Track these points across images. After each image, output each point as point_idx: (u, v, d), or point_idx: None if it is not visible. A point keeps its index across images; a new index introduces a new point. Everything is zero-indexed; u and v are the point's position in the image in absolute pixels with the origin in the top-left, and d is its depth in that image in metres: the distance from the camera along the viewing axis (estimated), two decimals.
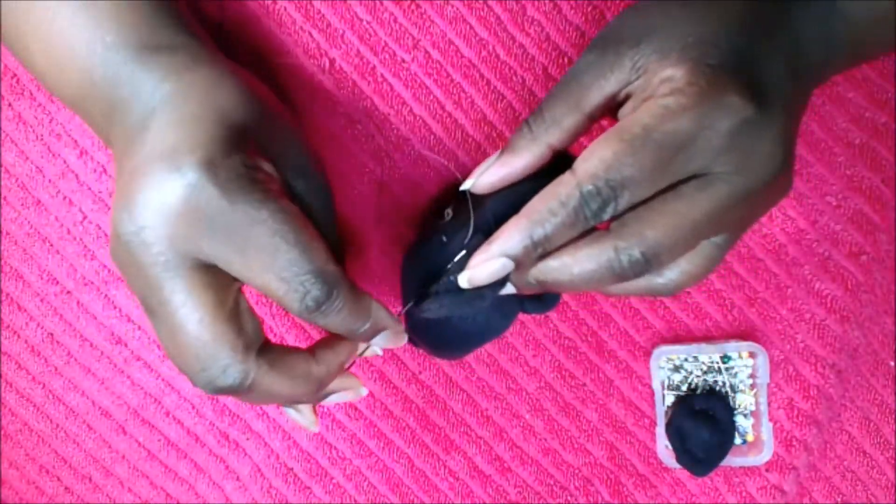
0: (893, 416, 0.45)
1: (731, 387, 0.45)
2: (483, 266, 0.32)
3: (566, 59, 0.41)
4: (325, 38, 0.41)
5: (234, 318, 0.31)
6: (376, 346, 0.36)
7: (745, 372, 0.44)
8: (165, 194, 0.29)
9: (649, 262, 0.31)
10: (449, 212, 0.37)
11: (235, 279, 0.31)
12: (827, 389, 0.44)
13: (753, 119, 0.29)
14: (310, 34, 0.41)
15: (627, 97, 0.31)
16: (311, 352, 0.34)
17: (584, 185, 0.30)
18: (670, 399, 0.45)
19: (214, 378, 0.31)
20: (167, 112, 0.31)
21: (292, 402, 0.35)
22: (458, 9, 0.40)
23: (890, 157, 0.42)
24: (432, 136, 0.42)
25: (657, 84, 0.30)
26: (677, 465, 0.44)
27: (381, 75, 0.42)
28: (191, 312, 0.30)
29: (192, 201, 0.29)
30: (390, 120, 0.42)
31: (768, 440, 0.44)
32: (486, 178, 0.34)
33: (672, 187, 0.30)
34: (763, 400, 0.44)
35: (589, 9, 0.40)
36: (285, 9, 0.41)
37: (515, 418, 0.45)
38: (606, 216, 0.30)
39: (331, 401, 0.37)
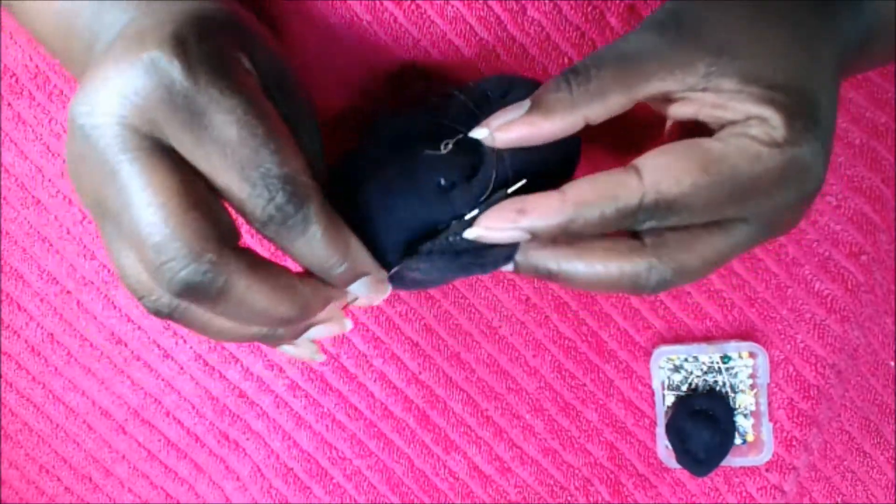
0: (893, 416, 0.45)
1: (732, 387, 0.45)
2: (502, 231, 0.29)
3: (566, 60, 0.41)
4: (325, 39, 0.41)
5: (204, 206, 0.26)
6: (357, 294, 0.31)
7: (745, 372, 0.44)
8: (124, 71, 0.26)
9: (673, 284, 0.30)
10: (447, 144, 0.30)
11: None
12: (827, 389, 0.44)
13: (816, 189, 0.29)
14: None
15: (683, 98, 0.30)
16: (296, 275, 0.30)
17: (647, 196, 0.28)
18: (670, 399, 0.45)
19: (178, 270, 0.26)
20: (138, 15, 0.28)
21: (272, 324, 0.29)
22: (458, 9, 0.40)
23: (890, 157, 0.42)
24: None
25: (743, 115, 0.28)
26: (677, 466, 0.44)
27: None
28: (153, 196, 0.25)
29: (154, 77, 0.26)
30: None
31: (768, 440, 0.44)
32: (507, 134, 0.29)
33: (717, 220, 0.30)
34: (763, 400, 0.44)
35: (589, 9, 0.40)
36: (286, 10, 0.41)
37: (515, 418, 0.45)
38: (648, 226, 0.29)
39: (314, 334, 0.32)
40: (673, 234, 0.30)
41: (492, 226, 0.29)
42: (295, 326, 0.31)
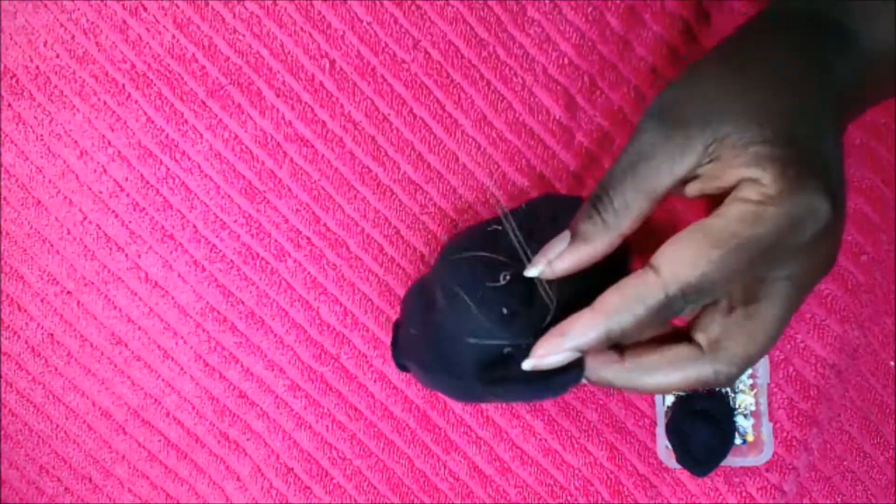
0: (893, 416, 0.45)
1: (731, 387, 0.45)
2: (551, 357, 0.32)
3: (566, 60, 0.41)
4: (325, 39, 0.41)
5: None
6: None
7: (745, 372, 0.44)
8: None
9: (741, 373, 0.32)
10: (506, 276, 0.34)
11: None
12: (827, 390, 0.44)
13: (832, 222, 0.30)
14: (310, 35, 0.41)
15: (694, 177, 0.31)
16: None
17: (670, 289, 0.29)
18: (670, 399, 0.45)
19: None
20: None
21: None
22: (458, 9, 0.40)
23: (890, 158, 0.42)
24: (432, 137, 0.42)
25: (735, 179, 0.30)
26: (677, 466, 0.44)
27: (382, 76, 0.42)
28: None
29: None
30: (390, 120, 0.42)
31: (768, 440, 0.44)
32: (558, 266, 0.33)
33: (747, 289, 0.31)
34: (763, 400, 0.44)
35: (589, 9, 0.40)
36: (285, 9, 0.41)
37: (515, 419, 0.45)
38: (685, 314, 0.31)
39: None
40: (723, 328, 0.31)
41: (542, 354, 0.32)
42: None
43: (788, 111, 0.30)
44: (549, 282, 0.34)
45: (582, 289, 0.33)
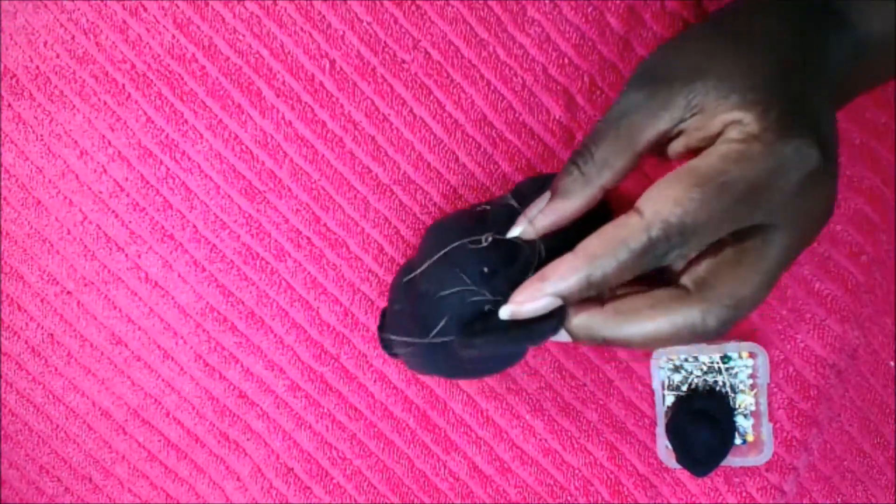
0: (893, 416, 0.45)
1: (732, 387, 0.45)
2: (530, 303, 0.31)
3: (566, 60, 0.41)
4: (325, 39, 0.41)
5: None
6: None
7: (745, 372, 0.44)
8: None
9: (736, 319, 0.30)
10: (488, 237, 0.34)
11: None
12: (827, 390, 0.44)
13: (819, 169, 0.29)
14: (310, 35, 0.41)
15: (679, 134, 0.31)
16: None
17: (653, 228, 0.28)
18: (670, 399, 0.45)
19: None
20: None
21: None
22: (458, 9, 0.40)
23: (890, 157, 0.42)
24: (432, 137, 0.42)
25: (720, 125, 0.29)
26: (677, 466, 0.44)
27: (382, 76, 0.42)
28: None
29: None
30: (390, 120, 0.42)
31: (768, 440, 0.44)
32: (538, 223, 0.33)
33: (738, 236, 0.30)
34: (763, 400, 0.44)
35: (589, 9, 0.40)
36: (285, 9, 0.41)
37: (516, 419, 0.45)
38: (670, 260, 0.29)
39: None
40: (711, 267, 0.30)
41: (521, 300, 0.31)
42: None
43: (777, 69, 0.30)
44: (532, 244, 0.33)
45: (565, 249, 0.32)
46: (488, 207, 0.38)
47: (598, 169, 0.31)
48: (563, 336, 0.33)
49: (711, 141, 0.30)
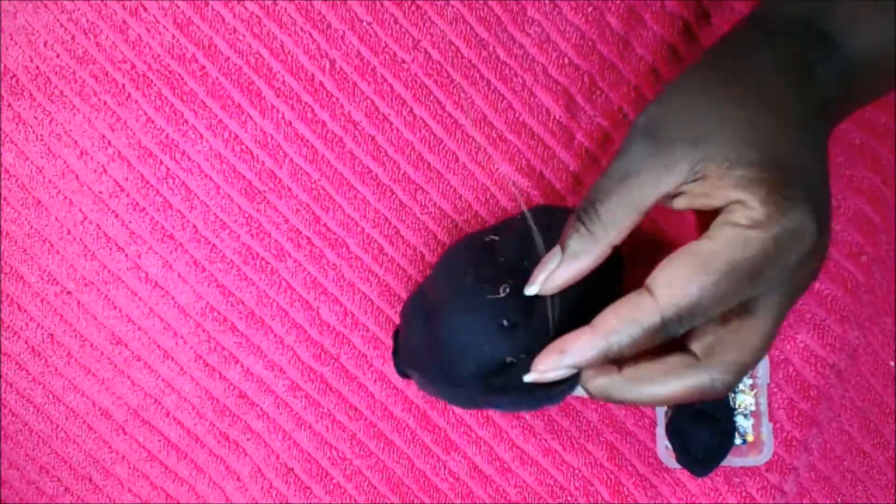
0: (893, 416, 0.45)
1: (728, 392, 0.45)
2: (553, 372, 0.33)
3: (566, 60, 0.41)
4: (325, 39, 0.41)
5: None
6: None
7: (740, 380, 0.44)
8: None
9: (737, 381, 0.32)
10: (506, 288, 0.35)
11: None
12: (827, 390, 0.44)
13: (819, 242, 0.31)
14: (310, 35, 0.41)
15: (681, 193, 0.32)
16: None
17: (666, 313, 0.30)
18: None
19: None
20: None
21: None
22: (458, 9, 0.41)
23: (890, 157, 0.42)
24: (432, 137, 0.42)
25: (723, 201, 0.30)
26: (677, 466, 0.44)
27: (382, 76, 0.42)
28: None
29: None
30: (390, 120, 0.42)
31: (768, 440, 0.44)
32: (552, 283, 0.34)
33: (740, 306, 0.31)
34: (763, 400, 0.44)
35: (589, 9, 0.40)
36: (285, 10, 0.41)
37: (515, 418, 0.45)
38: (683, 331, 0.31)
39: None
40: (717, 336, 0.32)
41: (543, 369, 0.33)
42: None
43: (774, 129, 0.31)
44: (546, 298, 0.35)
45: (580, 296, 0.35)
46: (497, 238, 0.39)
47: (603, 228, 0.32)
48: (579, 392, 0.35)
49: (712, 210, 0.31)
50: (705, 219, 0.32)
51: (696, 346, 0.33)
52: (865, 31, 0.34)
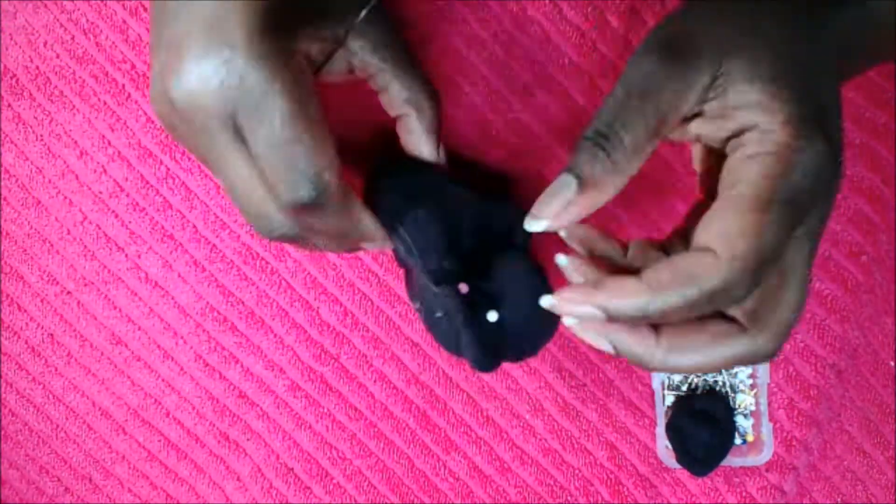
0: (893, 416, 0.45)
1: (731, 387, 0.45)
2: (573, 305, 0.29)
3: (566, 60, 0.41)
4: None
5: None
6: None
7: (745, 372, 0.44)
8: (206, 64, 0.29)
9: (781, 346, 0.30)
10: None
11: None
12: (827, 389, 0.44)
13: (837, 171, 0.28)
14: None
15: (696, 115, 0.29)
16: None
17: (730, 271, 0.27)
18: (670, 399, 0.45)
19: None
20: None
21: (336, 236, 0.33)
22: (458, 9, 0.40)
23: (890, 157, 0.42)
24: None
25: (738, 126, 0.28)
26: (677, 466, 0.44)
27: None
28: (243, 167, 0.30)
29: (231, 74, 0.28)
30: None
31: (768, 440, 0.44)
32: (568, 215, 0.29)
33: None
34: (763, 400, 0.44)
35: (589, 9, 0.40)
36: None
37: (515, 419, 0.45)
38: (746, 303, 0.29)
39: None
40: (759, 297, 0.29)
41: (568, 297, 0.29)
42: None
43: (802, 54, 0.29)
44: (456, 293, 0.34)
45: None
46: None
47: (626, 156, 0.28)
48: (604, 346, 0.31)
49: (723, 142, 0.29)
50: (712, 173, 0.30)
51: (736, 312, 0.30)
52: None
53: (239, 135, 0.30)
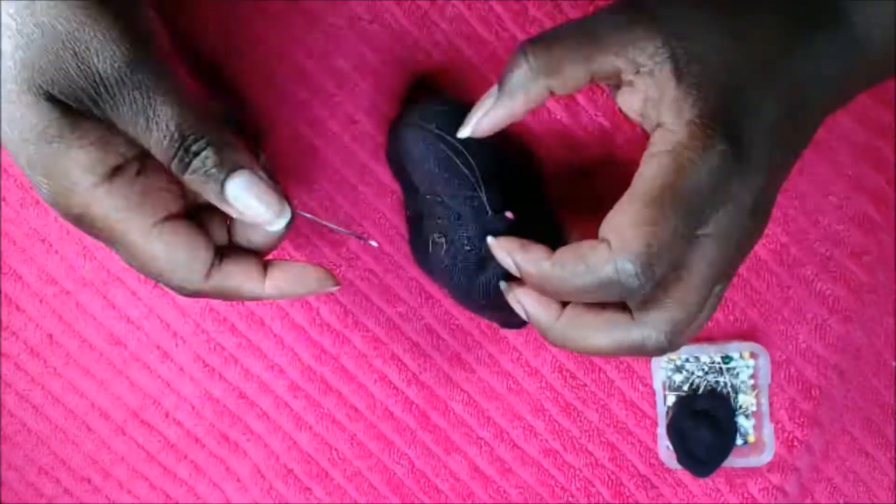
0: (895, 416, 0.44)
1: (733, 387, 0.45)
2: (502, 257, 0.33)
3: None
4: (325, 39, 0.41)
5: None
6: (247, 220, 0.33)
7: (746, 372, 0.44)
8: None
9: (675, 341, 0.31)
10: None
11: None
12: (829, 390, 0.44)
13: (739, 172, 0.28)
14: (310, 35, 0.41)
15: (628, 84, 0.30)
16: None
17: (620, 262, 0.29)
18: (671, 400, 0.45)
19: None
20: None
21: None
22: (458, 9, 0.40)
23: (893, 157, 0.42)
24: None
25: (656, 122, 0.29)
26: (678, 466, 0.44)
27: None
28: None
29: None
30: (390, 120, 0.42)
31: (770, 441, 0.44)
32: (485, 123, 0.32)
33: (677, 255, 0.30)
34: (764, 401, 0.44)
35: (590, 9, 0.40)
36: (286, 10, 0.41)
37: (516, 419, 0.45)
38: (647, 291, 0.29)
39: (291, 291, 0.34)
40: (649, 293, 0.30)
41: (501, 245, 0.33)
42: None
43: (741, 56, 0.29)
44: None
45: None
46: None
47: (548, 66, 0.29)
48: (518, 308, 0.34)
49: (653, 128, 0.30)
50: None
51: (632, 304, 0.31)
52: (876, 12, 0.31)
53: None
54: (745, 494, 0.45)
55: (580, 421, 0.45)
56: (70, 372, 0.46)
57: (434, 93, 0.41)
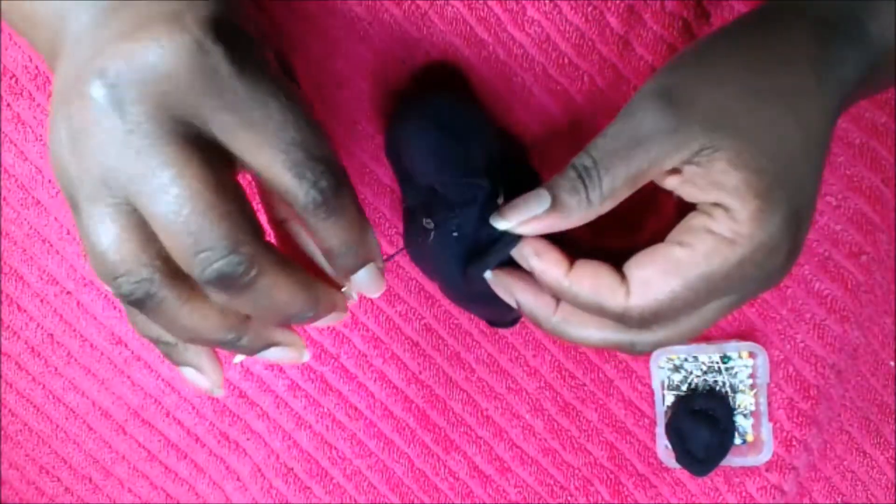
0: (893, 416, 0.45)
1: (731, 387, 0.45)
2: (519, 252, 0.33)
3: (566, 60, 0.41)
4: (325, 41, 0.41)
5: (239, 200, 0.26)
6: (359, 286, 0.31)
7: (744, 372, 0.44)
8: (165, 50, 0.25)
9: (658, 347, 0.33)
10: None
11: (232, 163, 0.27)
12: (827, 389, 0.44)
13: (787, 261, 0.31)
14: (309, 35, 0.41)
15: (675, 171, 0.31)
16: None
17: (631, 311, 0.30)
18: (670, 399, 0.45)
19: (215, 260, 0.25)
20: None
21: (283, 318, 0.29)
22: (457, 9, 0.40)
23: (890, 157, 0.42)
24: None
25: (713, 198, 0.30)
26: (677, 465, 0.44)
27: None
28: (192, 184, 0.25)
29: (199, 61, 0.25)
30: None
31: (768, 440, 0.44)
32: (531, 227, 0.31)
33: None
34: (763, 400, 0.44)
35: (589, 9, 0.40)
36: (285, 12, 0.41)
37: (515, 418, 0.45)
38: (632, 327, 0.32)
39: (271, 355, 0.32)
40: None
41: (520, 228, 0.32)
42: (264, 337, 0.31)
43: (791, 140, 0.30)
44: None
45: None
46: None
47: (603, 198, 0.30)
48: (510, 301, 0.34)
49: (698, 206, 0.31)
50: (686, 205, 0.31)
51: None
52: (887, 21, 0.32)
53: (192, 140, 0.26)
54: (744, 493, 0.45)
55: (579, 420, 0.45)
56: (71, 371, 0.46)
57: (433, 87, 0.41)
